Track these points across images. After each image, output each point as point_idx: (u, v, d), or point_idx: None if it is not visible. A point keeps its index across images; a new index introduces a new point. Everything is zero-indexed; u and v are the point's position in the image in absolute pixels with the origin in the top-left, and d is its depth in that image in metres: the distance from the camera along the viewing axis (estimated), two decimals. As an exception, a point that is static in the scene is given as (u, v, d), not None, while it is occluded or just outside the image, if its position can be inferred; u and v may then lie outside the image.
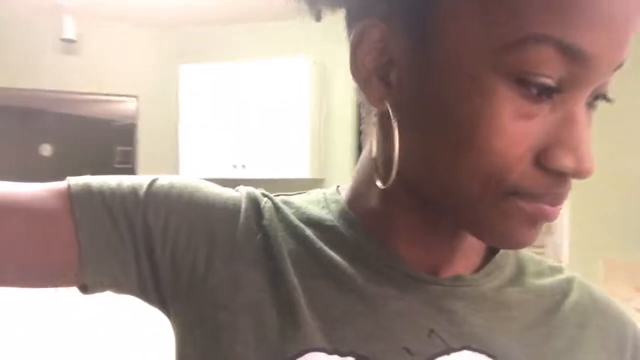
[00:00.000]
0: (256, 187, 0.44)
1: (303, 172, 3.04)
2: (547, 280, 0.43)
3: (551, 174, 0.32)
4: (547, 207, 0.33)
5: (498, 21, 0.30)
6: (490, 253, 0.42)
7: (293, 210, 0.42)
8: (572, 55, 0.30)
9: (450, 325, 0.38)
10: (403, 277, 0.39)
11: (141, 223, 0.39)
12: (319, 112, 3.22)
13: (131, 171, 3.56)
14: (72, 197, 0.38)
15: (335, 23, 0.40)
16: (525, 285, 0.42)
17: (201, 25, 3.43)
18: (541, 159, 0.31)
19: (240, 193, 0.43)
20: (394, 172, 0.36)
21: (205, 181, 0.43)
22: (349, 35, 0.37)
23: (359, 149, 0.45)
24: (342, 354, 0.36)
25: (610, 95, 0.34)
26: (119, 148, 6.54)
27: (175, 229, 0.39)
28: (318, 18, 0.39)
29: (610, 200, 2.40)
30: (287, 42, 3.23)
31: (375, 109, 0.37)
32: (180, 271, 0.39)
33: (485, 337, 0.38)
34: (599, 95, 0.33)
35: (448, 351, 0.37)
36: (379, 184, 0.38)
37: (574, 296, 0.43)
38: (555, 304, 0.42)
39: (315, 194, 0.45)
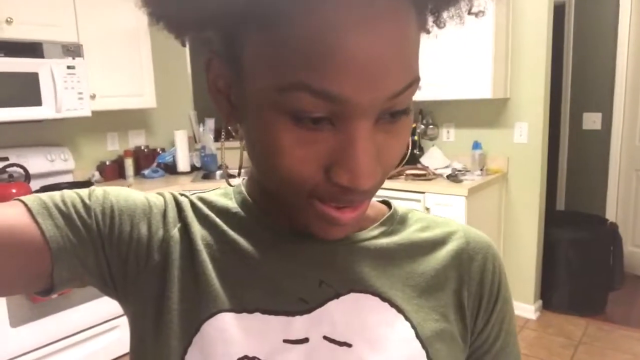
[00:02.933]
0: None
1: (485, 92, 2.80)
2: (428, 233, 0.53)
3: (338, 185, 0.38)
4: (342, 213, 0.41)
5: (271, 68, 0.37)
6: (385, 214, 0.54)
7: (205, 204, 0.52)
8: (326, 98, 0.35)
9: (337, 274, 0.48)
10: (292, 244, 0.49)
11: (95, 225, 0.46)
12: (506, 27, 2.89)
13: None
14: (33, 213, 0.44)
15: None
16: (406, 237, 0.52)
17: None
18: (329, 174, 0.39)
19: (163, 194, 0.52)
20: (240, 172, 0.52)
21: (130, 188, 0.51)
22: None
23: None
24: (249, 312, 0.45)
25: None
26: None
27: (119, 227, 0.47)
28: (183, 44, 0.45)
29: None
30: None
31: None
32: (127, 261, 0.47)
33: (367, 280, 0.48)
34: (395, 112, 0.39)
35: (337, 295, 0.47)
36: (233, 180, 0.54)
37: (452, 245, 0.53)
38: (430, 251, 0.52)
39: (225, 189, 0.54)
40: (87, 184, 2.85)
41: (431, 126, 3.29)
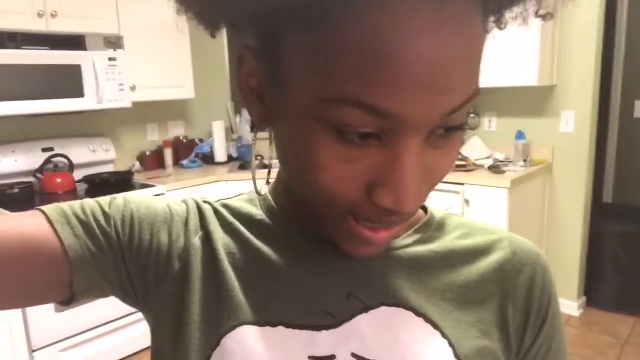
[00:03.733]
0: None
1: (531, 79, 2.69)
2: (470, 241, 0.49)
3: (380, 207, 0.35)
4: (377, 233, 0.38)
5: (316, 78, 0.33)
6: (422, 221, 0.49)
7: (230, 211, 0.49)
8: (376, 113, 0.32)
9: (367, 286, 0.44)
10: (320, 253, 0.45)
11: (114, 234, 0.45)
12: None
13: None
14: (52, 222, 0.43)
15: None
16: (445, 245, 0.48)
17: None
18: (370, 193, 0.35)
19: (187, 201, 0.50)
20: (268, 178, 0.51)
21: (153, 196, 0.49)
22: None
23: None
24: (273, 325, 0.42)
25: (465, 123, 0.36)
26: None
27: (139, 235, 0.45)
28: (213, 36, 0.41)
29: None
30: None
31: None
32: (147, 270, 0.45)
33: (400, 293, 0.44)
34: (450, 128, 0.35)
35: (366, 309, 0.43)
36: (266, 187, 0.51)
37: (496, 256, 0.48)
38: (471, 261, 0.47)
39: (249, 194, 0.51)
40: (128, 173, 2.91)
41: (472, 115, 3.20)
